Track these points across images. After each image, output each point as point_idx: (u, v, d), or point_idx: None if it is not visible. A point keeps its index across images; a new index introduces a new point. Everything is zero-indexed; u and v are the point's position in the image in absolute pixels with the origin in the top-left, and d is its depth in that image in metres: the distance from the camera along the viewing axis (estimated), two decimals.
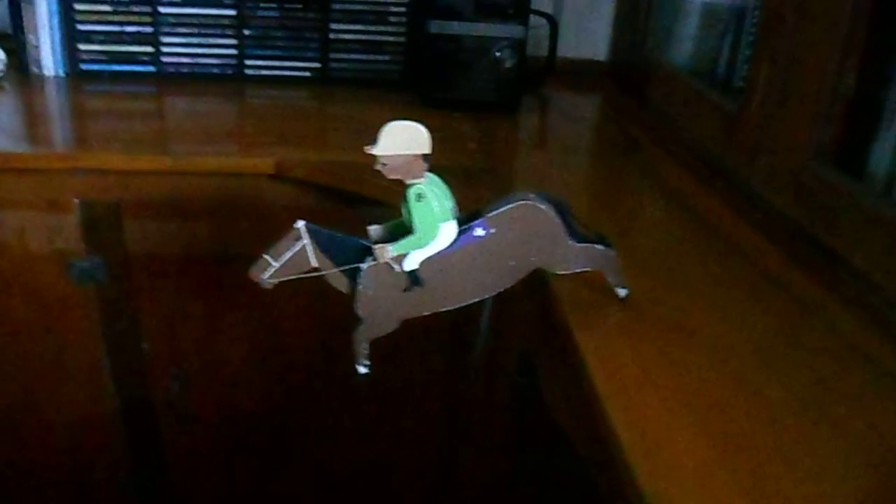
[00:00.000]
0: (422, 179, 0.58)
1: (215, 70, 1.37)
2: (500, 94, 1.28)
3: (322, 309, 1.04)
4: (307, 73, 1.39)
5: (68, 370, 1.15)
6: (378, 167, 0.57)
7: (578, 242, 0.63)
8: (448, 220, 0.59)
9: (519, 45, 1.25)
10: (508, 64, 1.24)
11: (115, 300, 1.11)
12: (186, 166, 1.02)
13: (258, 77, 1.38)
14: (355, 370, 0.64)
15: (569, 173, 1.06)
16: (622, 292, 0.66)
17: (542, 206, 0.61)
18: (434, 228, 0.59)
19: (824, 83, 0.81)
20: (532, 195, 0.61)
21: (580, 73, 1.48)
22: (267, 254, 0.60)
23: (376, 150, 0.56)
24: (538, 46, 1.39)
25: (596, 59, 1.52)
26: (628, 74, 1.42)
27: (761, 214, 0.88)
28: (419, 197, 0.58)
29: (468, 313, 0.98)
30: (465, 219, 0.61)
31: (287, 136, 1.15)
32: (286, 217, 0.60)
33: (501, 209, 0.60)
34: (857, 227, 0.75)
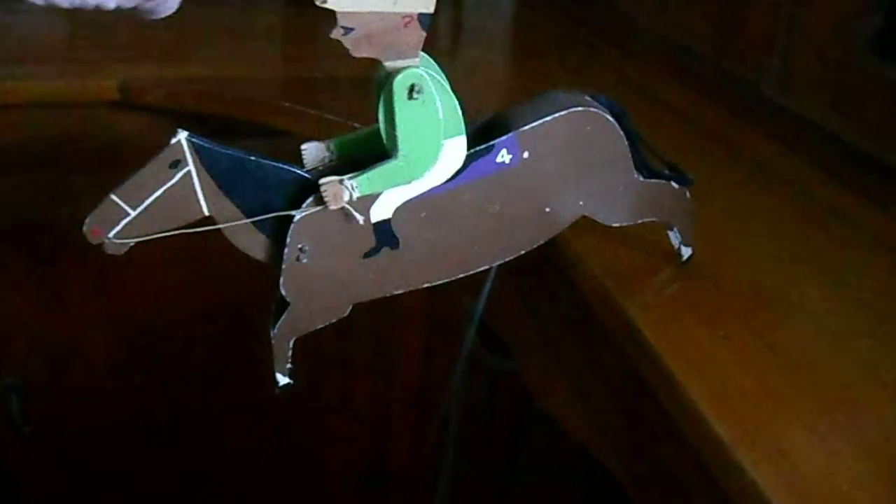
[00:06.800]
0: (415, 60, 0.33)
1: None
2: None
3: (207, 270, 0.84)
4: None
5: None
6: (335, 35, 0.32)
7: (646, 177, 0.41)
8: (458, 135, 0.35)
9: None
10: None
11: None
12: None
13: None
14: (273, 380, 0.40)
15: (502, 77, 0.89)
16: (686, 252, 0.45)
17: (606, 116, 0.39)
18: (434, 148, 0.35)
19: None
20: (587, 97, 0.39)
21: None
22: (117, 194, 0.35)
23: (332, 2, 0.31)
24: None
25: None
26: None
27: (774, 122, 0.75)
28: (414, 91, 0.33)
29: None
30: (477, 133, 0.37)
31: (136, 51, 0.92)
32: (140, 160, 0.37)
33: (543, 120, 0.37)
34: None
